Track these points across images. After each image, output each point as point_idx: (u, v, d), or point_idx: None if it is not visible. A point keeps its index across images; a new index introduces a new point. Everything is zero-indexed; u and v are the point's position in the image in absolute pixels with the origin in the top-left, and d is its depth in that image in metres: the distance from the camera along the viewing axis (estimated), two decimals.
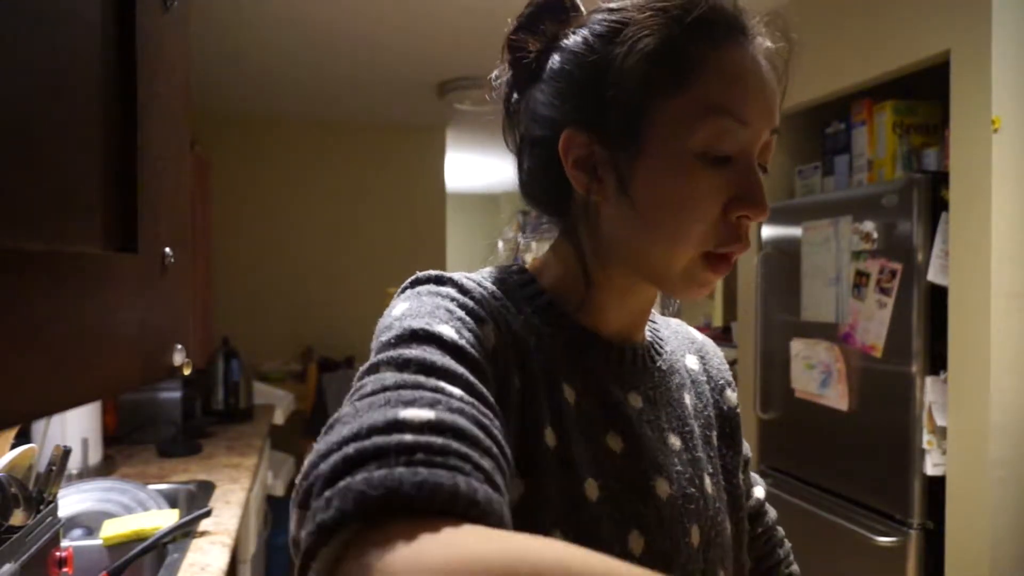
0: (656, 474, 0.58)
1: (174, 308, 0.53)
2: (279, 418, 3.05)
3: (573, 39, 0.58)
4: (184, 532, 1.47)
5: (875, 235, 2.08)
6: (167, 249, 0.51)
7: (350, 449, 0.36)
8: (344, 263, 4.38)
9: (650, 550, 0.55)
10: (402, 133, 4.50)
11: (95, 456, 1.99)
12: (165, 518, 1.46)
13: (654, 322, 0.71)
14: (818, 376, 2.32)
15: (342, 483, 0.35)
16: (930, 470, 1.95)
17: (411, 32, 2.86)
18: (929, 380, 1.96)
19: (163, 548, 1.42)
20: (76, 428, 1.89)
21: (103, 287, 0.43)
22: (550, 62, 0.59)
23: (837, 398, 2.24)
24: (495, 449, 0.40)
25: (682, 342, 0.73)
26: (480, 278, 0.59)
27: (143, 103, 0.47)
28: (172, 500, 1.78)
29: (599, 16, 0.57)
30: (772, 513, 0.78)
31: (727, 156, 0.53)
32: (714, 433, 0.68)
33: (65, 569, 1.12)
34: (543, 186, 0.61)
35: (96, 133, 0.43)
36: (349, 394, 0.44)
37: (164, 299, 0.51)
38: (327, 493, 0.35)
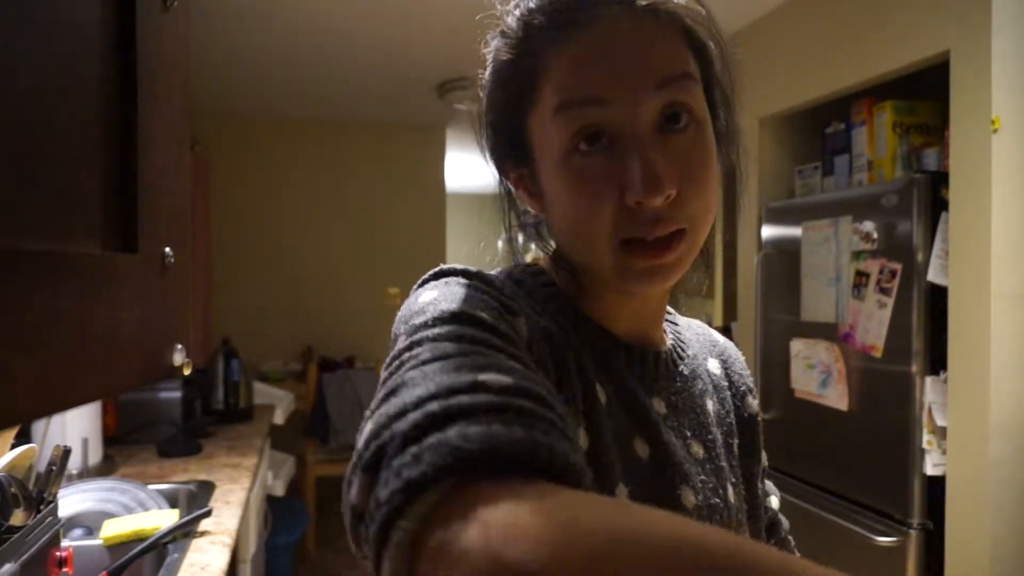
0: (682, 483, 0.56)
1: (174, 308, 0.53)
2: (279, 418, 3.05)
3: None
4: (184, 532, 1.47)
5: (875, 235, 2.08)
6: (167, 249, 0.51)
7: (434, 406, 0.34)
8: (344, 263, 4.39)
9: None
10: (402, 133, 4.51)
11: (95, 456, 1.99)
12: (165, 518, 1.46)
13: (676, 324, 0.69)
14: (818, 376, 2.32)
15: (431, 438, 0.32)
16: (930, 470, 1.95)
17: (411, 32, 2.86)
18: (929, 380, 1.96)
19: (163, 548, 1.42)
20: (76, 428, 1.89)
21: (103, 287, 0.43)
22: None
23: (837, 398, 2.24)
24: (570, 423, 0.39)
25: (704, 345, 0.71)
26: (501, 276, 0.58)
27: (143, 103, 0.47)
28: (172, 500, 1.77)
29: (493, 43, 0.59)
30: (785, 524, 0.76)
31: (600, 137, 0.51)
32: (735, 441, 0.66)
33: (65, 569, 1.12)
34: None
35: (96, 133, 0.43)
36: (395, 366, 0.40)
37: (164, 299, 0.51)
38: (413, 449, 0.32)
